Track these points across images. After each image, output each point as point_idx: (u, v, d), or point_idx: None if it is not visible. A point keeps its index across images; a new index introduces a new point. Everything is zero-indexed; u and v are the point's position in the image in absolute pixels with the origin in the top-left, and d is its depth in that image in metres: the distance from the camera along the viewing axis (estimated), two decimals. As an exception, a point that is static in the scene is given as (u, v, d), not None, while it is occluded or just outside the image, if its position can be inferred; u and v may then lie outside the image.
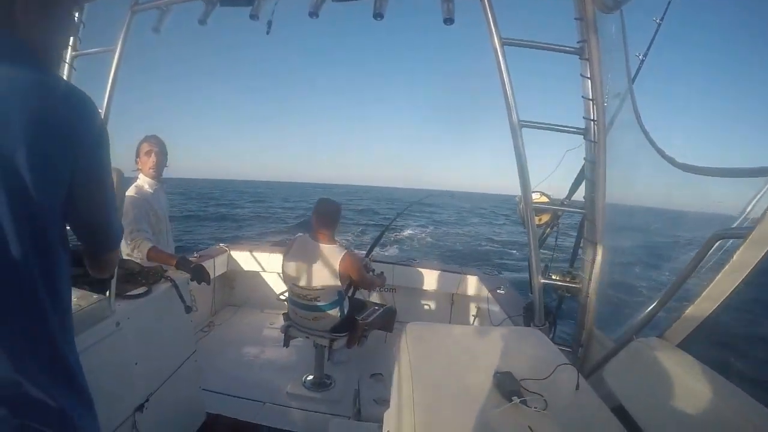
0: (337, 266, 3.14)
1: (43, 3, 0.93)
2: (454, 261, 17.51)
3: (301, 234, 3.48)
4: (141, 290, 2.30)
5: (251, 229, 26.38)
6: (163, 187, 3.30)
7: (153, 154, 3.11)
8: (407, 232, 25.97)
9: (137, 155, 3.14)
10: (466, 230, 32.60)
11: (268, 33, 2.77)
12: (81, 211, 1.04)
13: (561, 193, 2.78)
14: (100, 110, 2.95)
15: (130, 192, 3.01)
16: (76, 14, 3.02)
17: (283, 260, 3.36)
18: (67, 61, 3.17)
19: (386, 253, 16.68)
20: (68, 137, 0.91)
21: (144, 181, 3.14)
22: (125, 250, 2.84)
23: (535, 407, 1.45)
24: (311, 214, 3.35)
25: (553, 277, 2.72)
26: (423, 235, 26.41)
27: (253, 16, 2.73)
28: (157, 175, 3.19)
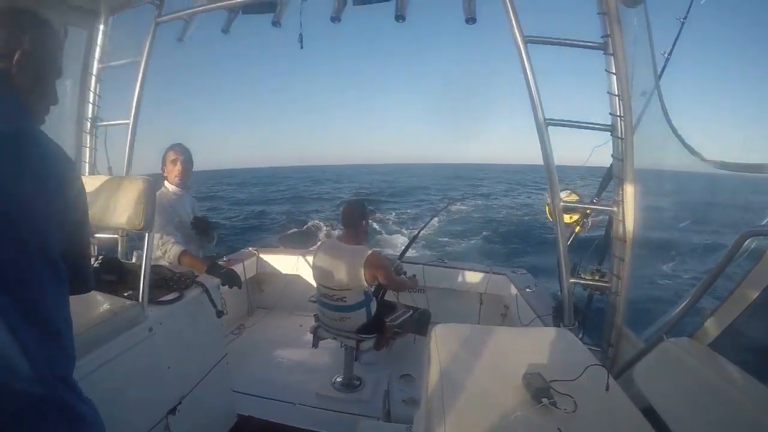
0: (361, 266, 3.16)
1: (35, 77, 1.16)
2: (497, 234, 17.87)
3: (329, 236, 3.51)
4: (173, 296, 2.35)
5: (316, 204, 28.59)
6: (189, 192, 3.36)
7: (179, 163, 3.17)
8: (456, 206, 26.02)
9: (163, 163, 3.21)
10: (509, 202, 32.77)
11: (301, 47, 2.82)
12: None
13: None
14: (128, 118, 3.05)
15: None
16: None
17: (313, 261, 3.41)
18: (94, 73, 3.26)
19: (433, 226, 16.84)
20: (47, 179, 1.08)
21: (169, 188, 3.21)
22: (156, 253, 2.90)
23: (564, 409, 1.44)
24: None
25: (582, 275, 2.70)
26: (468, 208, 26.57)
27: (275, 23, 2.78)
28: (182, 183, 3.24)
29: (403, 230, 18.75)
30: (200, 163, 3.26)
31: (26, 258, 1.01)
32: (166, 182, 3.21)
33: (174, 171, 3.17)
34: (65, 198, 1.12)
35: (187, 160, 3.23)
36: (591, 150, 2.51)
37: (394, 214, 23.91)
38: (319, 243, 3.53)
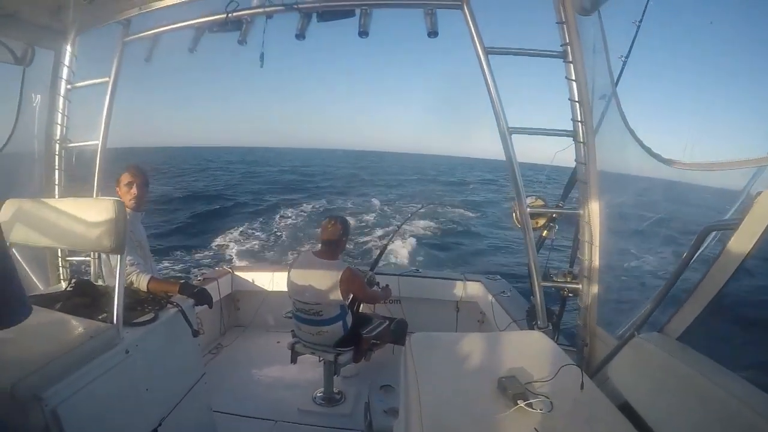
0: (337, 281, 3.19)
1: None
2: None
3: (305, 250, 3.51)
4: (148, 317, 2.32)
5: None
6: (141, 216, 3.19)
7: (134, 186, 2.99)
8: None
9: (117, 185, 3.03)
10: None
11: (261, 66, 2.81)
12: None
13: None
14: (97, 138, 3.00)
15: None
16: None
17: (288, 275, 3.41)
18: (62, 94, 3.22)
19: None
20: None
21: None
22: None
23: (540, 409, 1.48)
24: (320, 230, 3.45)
25: (554, 278, 2.75)
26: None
27: (241, 42, 2.79)
28: (138, 207, 3.06)
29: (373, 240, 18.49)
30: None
31: None
32: None
33: (129, 194, 2.99)
34: None
35: (143, 183, 3.05)
36: (553, 155, 2.57)
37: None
38: (294, 257, 3.52)
